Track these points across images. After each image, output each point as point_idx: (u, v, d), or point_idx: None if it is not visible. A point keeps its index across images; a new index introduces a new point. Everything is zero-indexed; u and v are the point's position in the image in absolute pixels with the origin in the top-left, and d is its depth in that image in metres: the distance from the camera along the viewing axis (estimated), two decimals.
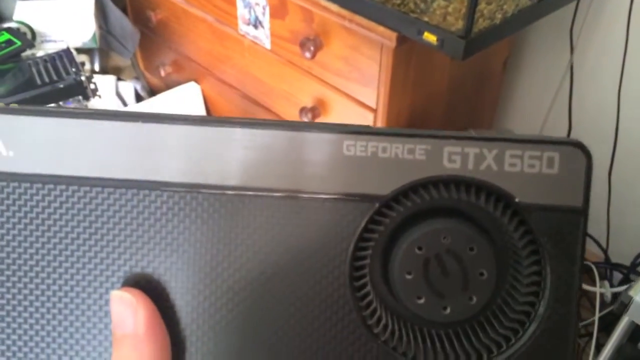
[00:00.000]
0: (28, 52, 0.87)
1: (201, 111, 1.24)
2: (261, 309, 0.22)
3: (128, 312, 0.22)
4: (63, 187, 0.22)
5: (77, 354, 0.23)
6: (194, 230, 0.22)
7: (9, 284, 0.23)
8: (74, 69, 0.78)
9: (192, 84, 1.24)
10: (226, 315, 0.22)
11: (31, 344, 0.23)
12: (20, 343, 0.23)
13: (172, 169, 0.22)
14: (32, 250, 0.22)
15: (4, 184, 0.22)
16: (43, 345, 0.23)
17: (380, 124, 0.86)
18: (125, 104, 1.39)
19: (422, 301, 0.21)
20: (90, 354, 0.23)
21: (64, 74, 0.77)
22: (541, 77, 1.04)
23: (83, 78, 0.77)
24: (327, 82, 0.91)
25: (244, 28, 1.01)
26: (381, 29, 0.75)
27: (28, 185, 0.22)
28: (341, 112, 0.91)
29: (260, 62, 1.02)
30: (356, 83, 0.86)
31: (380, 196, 0.22)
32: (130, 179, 0.22)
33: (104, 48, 1.05)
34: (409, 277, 0.21)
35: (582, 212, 0.22)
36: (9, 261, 0.23)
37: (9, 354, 0.23)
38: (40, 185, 0.22)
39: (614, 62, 0.91)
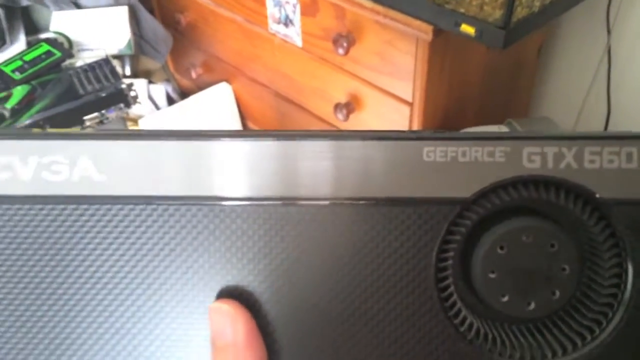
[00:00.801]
0: (66, 62, 0.89)
1: (233, 111, 1.25)
2: (350, 314, 0.23)
3: (227, 322, 0.22)
4: (154, 206, 0.23)
5: None
6: (285, 241, 0.23)
7: (106, 302, 0.23)
8: (114, 78, 0.80)
9: (224, 84, 1.25)
10: (317, 320, 0.23)
11: (135, 353, 0.24)
12: (122, 351, 0.24)
13: (260, 185, 0.22)
14: (127, 269, 0.23)
15: (97, 207, 0.23)
16: (146, 355, 0.24)
17: (417, 117, 0.86)
18: (157, 107, 1.41)
19: (506, 299, 0.22)
20: None
21: (104, 83, 0.79)
22: (578, 62, 1.02)
23: (124, 86, 0.79)
24: (361, 77, 0.91)
25: (274, 27, 1.01)
26: (416, 22, 0.75)
27: (120, 206, 0.23)
28: (376, 107, 0.91)
29: (291, 60, 1.03)
30: (391, 77, 0.86)
31: (461, 199, 0.22)
32: (217, 196, 0.23)
33: (138, 54, 1.06)
34: (492, 275, 0.22)
35: None
36: (105, 280, 0.23)
37: None
38: (132, 206, 0.23)
39: None
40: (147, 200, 0.23)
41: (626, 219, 0.22)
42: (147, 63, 1.35)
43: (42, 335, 0.24)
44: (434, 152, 0.22)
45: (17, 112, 0.79)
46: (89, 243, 0.23)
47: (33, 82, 0.84)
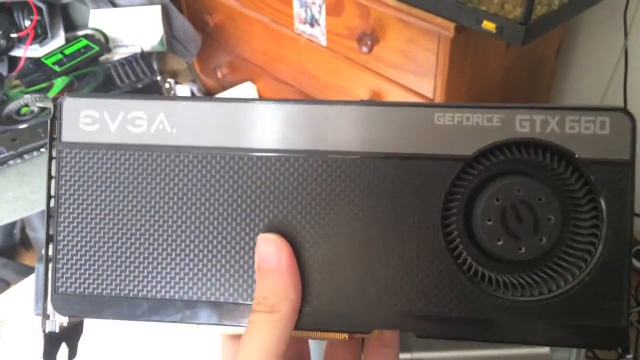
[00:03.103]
0: (104, 57, 0.93)
1: None
2: (370, 251, 0.27)
3: (273, 250, 0.27)
4: (213, 155, 0.28)
5: (224, 278, 0.28)
6: (319, 188, 0.27)
7: (180, 232, 0.28)
8: (149, 71, 0.84)
9: (249, 84, 1.29)
10: (342, 247, 0.27)
11: (203, 269, 0.28)
12: (192, 270, 0.28)
13: (294, 139, 0.27)
14: (190, 203, 0.28)
15: (171, 155, 0.28)
16: (207, 270, 0.28)
17: None
18: None
19: (501, 243, 0.26)
20: (233, 279, 0.28)
21: (141, 75, 0.83)
22: (595, 63, 1.05)
23: (159, 78, 0.83)
24: (384, 75, 0.94)
25: (300, 27, 1.05)
26: (439, 20, 0.78)
27: (186, 154, 0.28)
28: None
29: (316, 59, 1.06)
30: (413, 75, 0.89)
31: (465, 157, 0.26)
32: (259, 149, 0.27)
33: (169, 52, 1.11)
34: (489, 223, 0.26)
35: (630, 164, 0.26)
36: (172, 209, 0.28)
37: (184, 276, 0.28)
38: (195, 154, 0.28)
39: None
40: (208, 150, 0.28)
41: (601, 176, 0.26)
42: (174, 64, 1.40)
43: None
44: (443, 117, 0.27)
45: None
46: (162, 181, 0.28)
47: (72, 75, 0.89)
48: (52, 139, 0.28)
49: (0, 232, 1.25)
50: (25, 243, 1.31)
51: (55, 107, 0.28)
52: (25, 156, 0.82)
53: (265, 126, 0.27)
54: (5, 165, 0.81)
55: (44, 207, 0.91)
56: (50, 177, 0.28)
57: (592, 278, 0.26)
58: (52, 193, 0.28)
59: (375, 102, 0.28)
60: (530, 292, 0.26)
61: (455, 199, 0.27)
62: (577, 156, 0.26)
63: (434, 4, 0.77)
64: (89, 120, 0.28)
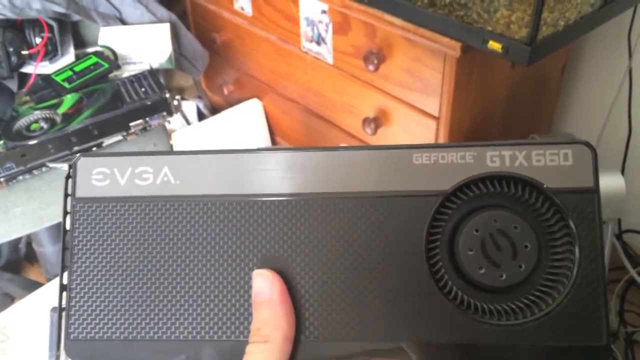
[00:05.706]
0: (113, 74, 0.94)
1: (263, 126, 1.30)
2: (358, 285, 0.29)
3: (266, 284, 0.28)
4: (213, 202, 0.30)
5: (225, 317, 0.29)
6: (308, 227, 0.29)
7: (179, 268, 0.30)
8: (158, 88, 0.85)
9: (255, 100, 1.30)
10: (334, 281, 0.29)
11: (204, 306, 0.30)
12: (193, 306, 0.30)
13: (285, 185, 0.29)
14: (194, 247, 0.30)
15: (175, 204, 0.30)
16: (208, 307, 0.30)
17: (442, 131, 0.89)
18: (188, 122, 1.47)
19: (482, 271, 0.28)
20: (234, 317, 0.29)
21: (149, 92, 0.84)
22: (600, 83, 1.05)
23: (167, 95, 0.84)
24: (390, 93, 0.95)
25: (306, 45, 1.06)
26: (445, 39, 0.79)
27: (188, 202, 0.30)
28: (404, 122, 0.95)
29: (322, 76, 1.07)
30: (419, 93, 0.90)
31: (443, 191, 0.29)
32: (257, 194, 0.30)
33: (177, 68, 1.12)
34: (470, 253, 0.28)
35: (595, 191, 0.28)
36: (178, 253, 0.30)
37: (188, 312, 0.30)
38: (197, 202, 0.30)
39: None
40: (206, 198, 0.30)
41: (569, 203, 0.28)
42: (180, 80, 1.41)
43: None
44: (420, 157, 0.29)
45: (67, 117, 0.84)
46: (167, 229, 0.30)
47: (82, 92, 0.90)
48: (66, 195, 0.30)
49: (6, 247, 1.25)
50: (31, 257, 1.31)
51: (70, 166, 0.30)
52: (34, 171, 0.82)
53: (257, 173, 0.30)
54: (14, 181, 0.82)
55: (51, 222, 0.92)
56: (64, 231, 0.30)
57: (569, 300, 0.27)
58: (67, 245, 0.30)
59: (360, 146, 0.30)
60: (514, 316, 0.28)
61: (438, 232, 0.29)
62: (545, 186, 0.28)
63: (440, 24, 0.78)
64: (100, 176, 0.30)
